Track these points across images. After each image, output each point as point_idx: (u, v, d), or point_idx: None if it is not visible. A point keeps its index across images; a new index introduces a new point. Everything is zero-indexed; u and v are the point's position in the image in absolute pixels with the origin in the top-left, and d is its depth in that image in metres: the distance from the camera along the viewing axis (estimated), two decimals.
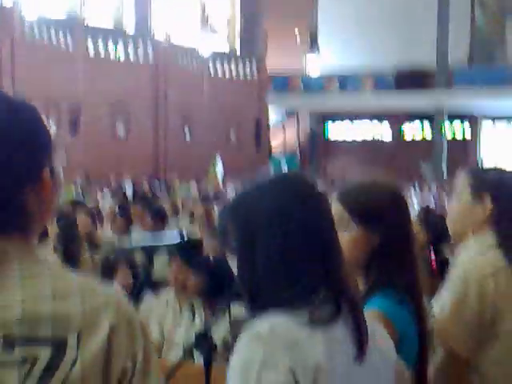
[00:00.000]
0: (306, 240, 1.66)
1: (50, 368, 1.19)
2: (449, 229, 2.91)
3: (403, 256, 2.20)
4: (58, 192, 1.31)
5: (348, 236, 2.12)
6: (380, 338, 1.72)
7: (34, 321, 1.20)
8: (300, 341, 1.55)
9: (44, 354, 1.20)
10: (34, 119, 1.35)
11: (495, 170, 2.81)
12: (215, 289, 4.54)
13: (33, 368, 1.19)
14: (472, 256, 2.66)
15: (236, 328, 1.79)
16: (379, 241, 2.17)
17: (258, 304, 1.64)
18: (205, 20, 23.18)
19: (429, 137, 27.09)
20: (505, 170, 2.83)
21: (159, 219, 7.90)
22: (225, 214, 1.80)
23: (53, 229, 6.83)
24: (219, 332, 4.04)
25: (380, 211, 2.20)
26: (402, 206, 2.29)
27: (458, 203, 2.79)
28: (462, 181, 2.77)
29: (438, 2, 25.21)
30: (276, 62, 27.15)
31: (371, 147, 29.30)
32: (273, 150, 28.89)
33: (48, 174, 1.32)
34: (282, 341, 1.54)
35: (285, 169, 22.33)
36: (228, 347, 1.93)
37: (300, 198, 1.71)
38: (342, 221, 2.16)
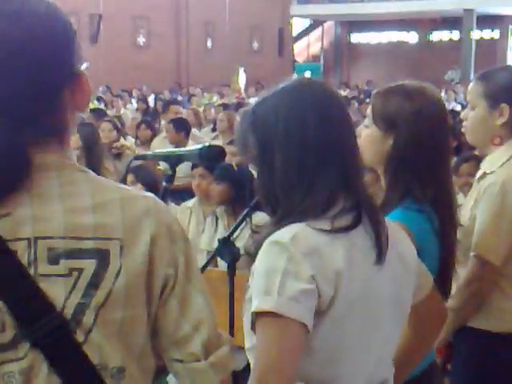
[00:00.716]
0: (323, 149, 1.64)
1: (95, 279, 1.18)
2: (468, 139, 2.79)
3: (421, 166, 2.15)
4: (89, 96, 1.32)
5: (366, 132, 2.16)
6: (401, 243, 1.73)
7: (76, 233, 1.18)
8: (321, 247, 1.55)
9: (89, 265, 1.18)
10: (61, 16, 1.28)
11: (506, 70, 2.66)
12: (238, 197, 4.42)
13: (78, 280, 1.17)
14: (501, 165, 2.64)
15: (257, 236, 1.74)
16: (391, 145, 2.15)
17: (279, 213, 1.64)
18: None
19: (456, 38, 26.48)
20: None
21: (183, 131, 7.66)
22: (244, 123, 1.74)
23: (75, 137, 6.74)
24: (242, 239, 4.03)
25: (391, 115, 2.18)
26: (421, 110, 2.19)
27: (474, 114, 2.69)
28: (476, 90, 2.72)
29: None
30: None
31: (397, 50, 28.68)
32: (296, 59, 28.61)
33: (86, 76, 1.29)
34: (302, 248, 1.53)
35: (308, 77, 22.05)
36: (250, 254, 1.94)
37: (317, 106, 1.67)
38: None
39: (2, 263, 1.15)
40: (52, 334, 1.15)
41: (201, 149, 2.13)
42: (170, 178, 2.16)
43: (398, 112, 2.14)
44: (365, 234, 1.62)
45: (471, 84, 2.73)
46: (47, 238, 1.16)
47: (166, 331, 1.26)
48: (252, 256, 1.67)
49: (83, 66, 1.40)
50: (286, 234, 1.55)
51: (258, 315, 1.52)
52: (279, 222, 1.61)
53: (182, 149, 2.24)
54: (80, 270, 1.17)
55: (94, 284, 1.17)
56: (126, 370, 1.22)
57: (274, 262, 1.54)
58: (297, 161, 1.62)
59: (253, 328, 1.56)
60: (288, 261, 1.52)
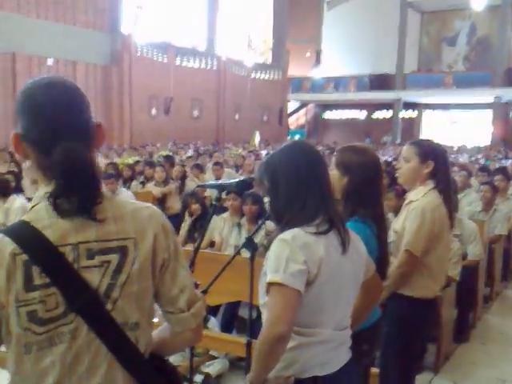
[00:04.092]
0: (311, 179, 1.70)
1: (119, 267, 1.19)
2: (400, 181, 2.88)
3: (365, 193, 2.18)
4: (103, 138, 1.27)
5: (332, 173, 2.08)
6: (356, 242, 1.79)
7: (105, 237, 1.18)
8: (310, 244, 1.63)
9: (114, 258, 1.19)
10: (78, 91, 1.23)
11: (430, 141, 2.80)
12: (257, 212, 4.56)
13: (107, 269, 1.18)
14: (423, 196, 2.69)
15: (270, 236, 1.82)
16: (346, 182, 2.18)
17: (283, 223, 1.71)
18: (249, 41, 22.90)
19: (390, 116, 26.62)
20: (436, 142, 2.79)
21: (220, 167, 7.92)
22: (260, 167, 1.82)
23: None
24: (258, 238, 4.07)
25: (347, 164, 2.20)
26: (367, 161, 2.23)
27: (408, 165, 2.75)
28: (410, 150, 2.74)
29: (398, 31, 24.80)
30: (293, 70, 26.93)
31: (352, 123, 28.99)
32: (290, 127, 28.75)
33: (98, 126, 1.25)
34: (299, 244, 1.62)
35: (297, 138, 22.21)
36: (264, 247, 1.95)
37: (306, 154, 1.75)
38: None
39: (54, 261, 1.13)
40: (89, 306, 1.15)
41: (237, 181, 2.18)
42: (218, 199, 2.20)
43: (350, 162, 2.20)
44: (335, 236, 1.69)
45: (406, 146, 2.80)
46: (86, 242, 1.16)
47: (162, 294, 1.27)
48: (266, 248, 1.76)
49: (49, 61, 1.24)
50: (288, 234, 1.63)
51: (270, 284, 1.60)
52: (283, 228, 1.67)
53: (226, 181, 2.28)
54: (108, 262, 1.17)
55: (118, 270, 1.18)
56: (140, 324, 1.22)
57: (281, 252, 1.60)
58: (293, 191, 1.69)
59: (267, 292, 1.63)
60: (290, 251, 1.59)
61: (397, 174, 2.93)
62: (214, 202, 2.18)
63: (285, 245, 1.60)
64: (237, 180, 2.21)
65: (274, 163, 1.74)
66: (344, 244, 1.70)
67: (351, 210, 2.13)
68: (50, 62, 16.28)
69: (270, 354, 1.58)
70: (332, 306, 1.68)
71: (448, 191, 2.72)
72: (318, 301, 1.65)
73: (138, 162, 9.63)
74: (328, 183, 1.76)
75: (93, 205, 1.17)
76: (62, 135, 1.15)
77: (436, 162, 2.67)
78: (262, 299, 1.72)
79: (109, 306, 1.18)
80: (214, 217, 4.83)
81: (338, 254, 1.68)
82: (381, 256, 2.19)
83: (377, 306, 2.32)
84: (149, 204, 1.31)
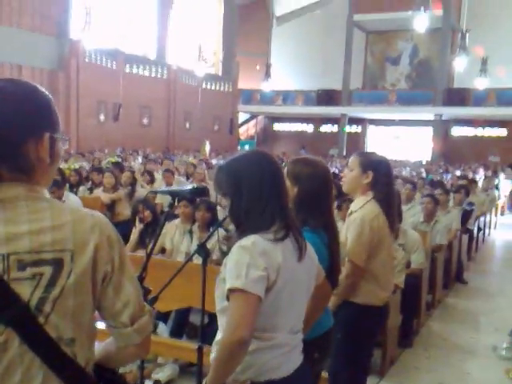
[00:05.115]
0: (272, 187, 1.71)
1: (52, 280, 1.12)
2: (343, 189, 2.95)
3: (315, 204, 2.21)
4: (57, 159, 1.22)
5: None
6: (309, 250, 1.81)
7: (39, 248, 1.11)
8: (269, 250, 1.64)
9: (47, 270, 1.12)
10: (37, 95, 1.19)
11: (374, 153, 2.88)
12: (210, 219, 4.58)
13: (40, 281, 1.12)
14: (362, 206, 2.76)
15: (228, 242, 1.80)
16: (296, 192, 2.20)
17: (242, 228, 1.70)
18: (200, 52, 22.85)
19: (336, 130, 27.23)
20: (380, 155, 2.87)
21: (171, 174, 8.00)
22: (220, 172, 1.79)
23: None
24: (210, 245, 4.06)
25: (297, 174, 2.22)
26: (316, 172, 2.26)
27: (351, 174, 2.84)
28: (354, 161, 2.82)
29: (345, 50, 25.34)
30: (244, 82, 27.34)
31: (300, 135, 29.53)
32: (240, 137, 28.92)
33: (47, 137, 1.17)
34: (259, 250, 1.62)
35: (247, 149, 22.31)
36: (221, 253, 1.93)
37: (269, 163, 1.76)
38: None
39: None
40: (19, 318, 1.10)
41: (192, 188, 2.15)
42: (171, 205, 2.15)
43: (300, 173, 2.23)
44: (291, 243, 1.71)
45: (352, 156, 2.88)
46: (17, 253, 1.10)
47: (105, 307, 1.21)
48: (224, 253, 1.78)
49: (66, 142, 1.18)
50: (247, 241, 1.63)
51: (231, 291, 1.60)
52: (242, 234, 1.67)
53: (180, 188, 2.23)
54: (41, 274, 1.11)
55: (52, 283, 1.12)
56: (76, 339, 1.16)
57: (241, 258, 1.60)
58: (256, 197, 1.68)
59: (227, 298, 1.63)
60: (250, 257, 1.59)
61: (341, 182, 3.03)
62: (167, 209, 2.13)
63: (245, 251, 1.60)
64: (190, 187, 2.18)
65: (237, 169, 1.73)
66: (301, 251, 1.71)
67: (301, 219, 2.13)
68: None
69: (230, 358, 1.58)
70: (287, 310, 1.70)
71: (388, 202, 2.77)
72: (274, 306, 1.66)
73: (80, 167, 9.47)
74: (286, 192, 1.78)
75: None
76: None
77: (376, 173, 2.73)
78: (219, 305, 1.72)
79: (41, 320, 1.12)
80: (166, 223, 4.76)
81: (294, 260, 1.70)
82: (331, 264, 2.21)
83: (329, 315, 2.38)
84: (95, 212, 1.24)
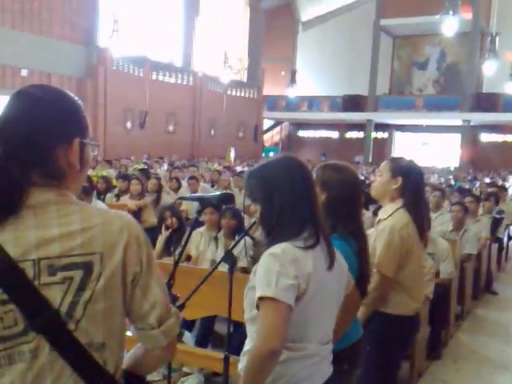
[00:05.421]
0: (303, 192, 1.70)
1: (82, 284, 1.12)
2: (372, 193, 2.89)
3: (344, 210, 2.17)
4: (86, 165, 1.23)
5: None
6: (339, 259, 1.79)
7: (69, 252, 1.12)
8: (299, 258, 1.62)
9: (78, 274, 1.12)
10: (67, 101, 1.20)
11: (406, 160, 2.83)
12: (235, 227, 4.59)
13: (70, 286, 1.11)
14: (390, 215, 2.71)
15: (256, 249, 1.79)
16: (325, 199, 2.16)
17: (272, 235, 1.68)
18: (225, 59, 22.97)
19: (362, 136, 27.05)
20: (413, 162, 2.80)
21: (196, 181, 8.07)
22: (251, 178, 1.77)
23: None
24: (236, 252, 4.07)
25: (326, 180, 2.18)
26: (346, 179, 2.21)
27: (380, 179, 2.80)
28: (385, 166, 2.78)
29: (371, 55, 25.19)
30: (269, 88, 27.50)
31: (325, 142, 29.47)
32: (265, 144, 28.97)
33: (77, 143, 1.18)
34: (289, 258, 1.60)
35: (272, 156, 22.29)
36: (253, 258, 1.91)
37: (300, 168, 1.74)
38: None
39: (13, 278, 1.09)
40: (49, 325, 1.10)
41: (219, 194, 2.14)
42: (200, 212, 2.15)
43: (329, 179, 2.19)
44: (321, 250, 1.68)
45: (384, 162, 2.83)
46: (47, 258, 1.10)
47: (133, 309, 1.21)
48: (254, 259, 1.75)
49: (23, 72, 1.15)
50: (277, 248, 1.61)
51: (261, 299, 1.58)
52: (272, 241, 1.65)
53: (208, 194, 2.22)
54: (71, 279, 1.11)
55: (82, 287, 1.12)
56: (106, 344, 1.16)
57: (271, 266, 1.58)
58: (288, 202, 1.67)
59: (257, 307, 1.61)
60: (280, 265, 1.58)
61: (371, 188, 2.98)
62: (195, 215, 2.14)
63: (275, 259, 1.58)
64: (219, 193, 2.18)
65: (269, 174, 1.72)
66: (332, 259, 1.70)
67: (330, 226, 2.09)
68: (24, 72, 15.97)
69: (261, 369, 1.56)
70: (317, 320, 1.68)
71: (418, 210, 2.71)
72: (304, 315, 1.64)
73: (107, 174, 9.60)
74: (316, 197, 1.76)
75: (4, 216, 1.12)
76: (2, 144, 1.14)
77: (405, 179, 2.68)
78: (248, 314, 1.70)
79: (71, 326, 1.12)
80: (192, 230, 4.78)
81: (324, 269, 1.68)
82: (360, 273, 2.17)
83: (358, 325, 2.33)
84: (123, 214, 1.24)
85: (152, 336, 1.23)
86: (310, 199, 1.70)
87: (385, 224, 2.69)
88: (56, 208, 1.15)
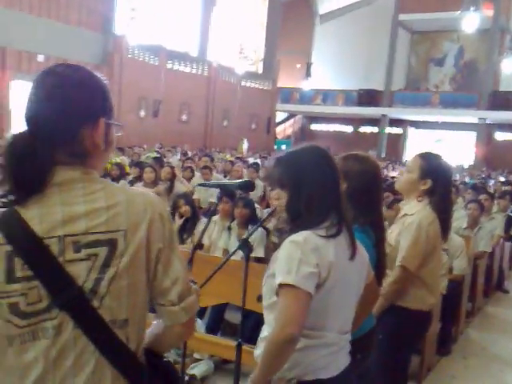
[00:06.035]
0: (331, 181, 1.71)
1: (107, 261, 1.13)
2: (396, 186, 2.88)
3: (364, 201, 2.15)
4: (111, 145, 1.23)
5: None
6: (361, 249, 1.78)
7: (94, 229, 1.12)
8: (321, 247, 1.61)
9: (102, 251, 1.13)
10: (93, 80, 1.20)
11: (437, 158, 2.74)
12: (248, 216, 4.59)
13: (95, 262, 1.12)
14: (418, 211, 2.68)
15: (279, 237, 1.80)
16: (345, 189, 2.10)
17: (297, 223, 1.67)
18: (240, 50, 22.97)
19: (375, 131, 26.88)
20: (443, 161, 2.75)
21: (209, 171, 8.15)
22: (279, 165, 1.77)
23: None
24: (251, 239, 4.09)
25: (347, 171, 2.14)
26: (367, 169, 2.21)
27: (409, 176, 2.75)
28: (415, 162, 2.73)
29: (388, 50, 25.15)
30: (283, 80, 27.37)
31: (339, 136, 29.34)
32: (277, 137, 28.93)
33: (102, 123, 1.18)
34: (310, 246, 1.60)
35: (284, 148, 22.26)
36: (275, 244, 1.91)
37: (325, 156, 1.75)
38: None
39: (38, 254, 1.09)
40: (73, 302, 1.11)
41: (240, 182, 2.15)
42: (220, 198, 2.15)
43: (350, 169, 2.17)
44: (343, 240, 1.68)
45: (414, 157, 2.78)
46: (73, 235, 1.11)
47: (154, 285, 1.21)
48: (276, 246, 1.73)
49: (39, 57, 1.12)
50: (299, 236, 1.61)
51: (281, 286, 1.58)
52: (293, 229, 1.65)
53: (228, 181, 2.21)
54: (96, 255, 1.12)
55: (106, 264, 1.13)
56: (129, 320, 1.17)
57: (292, 254, 1.58)
58: (317, 191, 1.67)
59: (277, 293, 1.62)
60: (302, 253, 1.58)
61: (395, 180, 2.97)
62: (216, 202, 2.15)
63: (296, 247, 1.59)
64: (239, 181, 2.17)
65: (299, 161, 1.72)
66: (354, 249, 1.70)
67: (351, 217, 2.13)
68: (40, 58, 16.01)
69: (278, 355, 1.56)
70: (336, 309, 1.68)
71: (445, 210, 2.71)
72: (324, 304, 1.64)
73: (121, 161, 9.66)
74: (341, 187, 1.76)
75: (27, 195, 1.12)
76: (28, 126, 1.15)
77: (435, 181, 2.66)
78: (267, 301, 1.71)
79: (95, 303, 1.13)
80: (204, 220, 4.81)
81: (346, 258, 1.68)
82: (377, 265, 2.18)
83: (371, 316, 2.31)
84: (147, 191, 1.25)
85: (172, 312, 1.23)
86: (336, 189, 1.71)
87: (412, 219, 2.67)
88: (82, 186, 1.15)
